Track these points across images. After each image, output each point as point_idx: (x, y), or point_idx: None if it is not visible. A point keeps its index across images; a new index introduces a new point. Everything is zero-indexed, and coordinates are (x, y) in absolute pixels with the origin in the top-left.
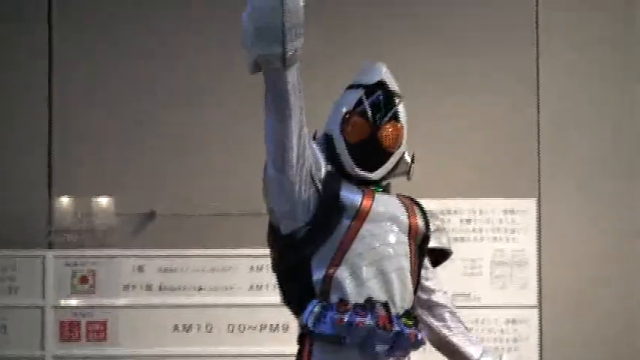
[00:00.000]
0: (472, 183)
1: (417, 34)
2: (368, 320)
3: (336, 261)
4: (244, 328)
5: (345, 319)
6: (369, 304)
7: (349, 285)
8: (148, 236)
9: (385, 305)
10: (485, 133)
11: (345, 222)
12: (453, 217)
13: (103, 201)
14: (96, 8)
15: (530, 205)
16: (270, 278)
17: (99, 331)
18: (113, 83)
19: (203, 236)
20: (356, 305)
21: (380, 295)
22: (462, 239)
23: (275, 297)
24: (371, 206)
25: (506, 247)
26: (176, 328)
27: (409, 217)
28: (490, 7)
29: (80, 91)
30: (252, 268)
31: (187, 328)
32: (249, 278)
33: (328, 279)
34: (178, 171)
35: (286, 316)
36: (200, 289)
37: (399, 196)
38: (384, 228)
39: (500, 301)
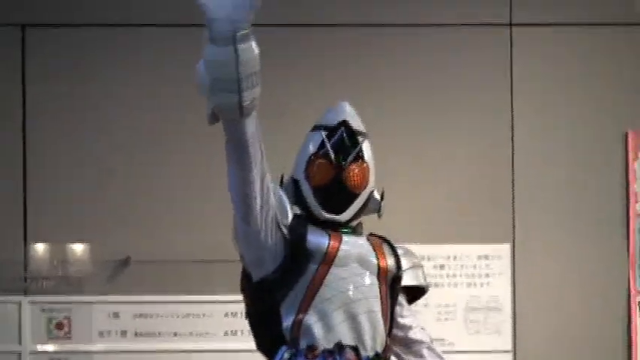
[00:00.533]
0: (446, 229)
1: (387, 78)
2: None
3: (305, 307)
4: None
5: None
6: (337, 349)
7: (318, 331)
8: (123, 282)
9: (355, 349)
10: (459, 178)
11: (312, 267)
12: (427, 263)
13: (78, 248)
14: (69, 63)
15: (504, 250)
16: (245, 324)
17: None
18: (86, 132)
19: (178, 282)
20: (325, 351)
21: (349, 339)
22: (436, 285)
23: (250, 342)
24: (338, 249)
25: (480, 293)
26: None
27: (377, 257)
28: (464, 48)
29: (54, 138)
30: (227, 314)
31: None
32: (224, 324)
33: (297, 325)
34: (153, 218)
35: None
36: (175, 334)
37: (370, 236)
38: (352, 271)
39: (474, 347)
